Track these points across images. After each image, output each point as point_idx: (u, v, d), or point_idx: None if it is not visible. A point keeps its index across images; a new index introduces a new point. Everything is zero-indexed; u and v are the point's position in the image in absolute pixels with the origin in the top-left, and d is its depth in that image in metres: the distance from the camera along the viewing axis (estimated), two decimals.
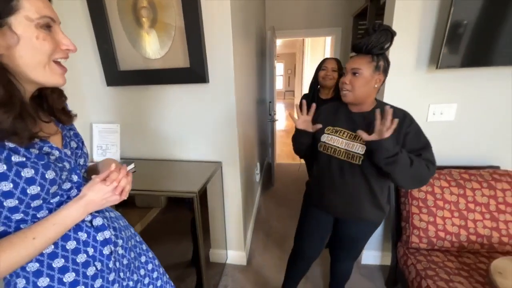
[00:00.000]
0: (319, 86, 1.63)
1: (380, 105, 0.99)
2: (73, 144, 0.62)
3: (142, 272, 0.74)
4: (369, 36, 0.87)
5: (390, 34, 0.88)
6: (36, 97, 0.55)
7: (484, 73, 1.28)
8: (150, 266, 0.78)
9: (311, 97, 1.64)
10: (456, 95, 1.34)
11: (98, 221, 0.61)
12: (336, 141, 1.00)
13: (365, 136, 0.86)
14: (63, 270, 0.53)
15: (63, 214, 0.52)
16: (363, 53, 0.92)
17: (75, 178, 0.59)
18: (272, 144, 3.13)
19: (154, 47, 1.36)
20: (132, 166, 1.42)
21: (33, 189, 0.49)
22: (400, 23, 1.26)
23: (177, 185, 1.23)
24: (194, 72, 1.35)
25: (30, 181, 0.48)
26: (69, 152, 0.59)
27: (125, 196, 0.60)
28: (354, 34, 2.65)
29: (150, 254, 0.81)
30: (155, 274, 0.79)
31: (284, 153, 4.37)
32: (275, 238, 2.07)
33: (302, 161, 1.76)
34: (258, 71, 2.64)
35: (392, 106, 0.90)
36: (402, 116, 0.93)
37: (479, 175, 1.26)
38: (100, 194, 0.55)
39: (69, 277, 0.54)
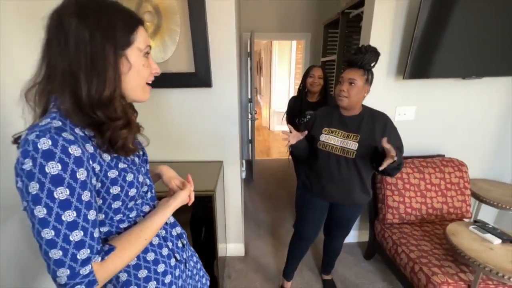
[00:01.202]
0: (306, 90, 1.83)
1: (365, 109, 1.23)
2: (140, 152, 0.69)
3: (192, 264, 0.84)
4: (362, 55, 1.09)
5: (377, 55, 1.11)
6: None
7: (435, 82, 1.64)
8: (194, 259, 0.88)
9: (300, 100, 1.84)
10: (415, 99, 1.68)
11: (171, 219, 0.69)
12: (333, 140, 1.21)
13: (386, 164, 1.00)
14: (155, 262, 0.61)
15: (161, 218, 0.60)
16: (357, 67, 1.13)
17: (148, 181, 0.66)
18: (251, 141, 3.28)
19: (157, 52, 1.39)
20: None
21: (132, 191, 0.56)
22: (376, 42, 1.53)
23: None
24: (199, 77, 1.42)
25: (131, 185, 0.55)
26: (140, 158, 0.66)
27: (192, 199, 0.71)
28: (324, 41, 2.94)
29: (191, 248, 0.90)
30: (198, 266, 0.89)
31: (258, 149, 4.57)
32: (266, 227, 2.25)
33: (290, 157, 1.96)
34: (239, 71, 2.74)
35: (372, 109, 1.22)
36: (385, 119, 1.19)
37: (432, 162, 1.62)
38: (180, 200, 0.65)
39: (161, 268, 0.62)
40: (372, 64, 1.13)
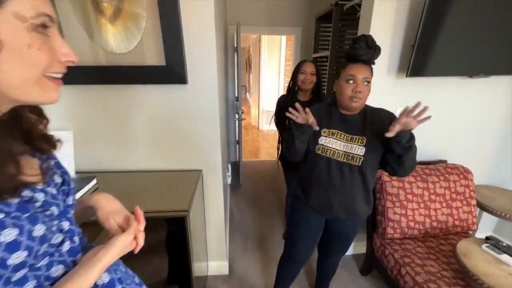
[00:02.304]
0: (297, 88, 1.63)
1: (366, 107, 1.06)
2: (58, 179, 0.46)
3: None
4: (370, 49, 0.93)
5: (380, 50, 0.96)
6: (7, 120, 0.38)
7: (438, 81, 1.48)
8: None
9: (290, 99, 1.64)
10: (416, 100, 1.51)
11: (105, 278, 0.47)
12: (334, 143, 1.02)
13: (397, 128, 0.84)
14: None
15: (82, 284, 0.38)
16: (365, 63, 0.96)
17: (66, 225, 0.44)
18: (239, 142, 3.06)
19: (119, 40, 1.14)
20: (93, 182, 1.18)
21: (17, 257, 0.34)
22: (375, 36, 1.34)
23: (160, 203, 1.07)
24: (172, 71, 1.18)
25: (13, 247, 0.33)
26: (54, 191, 0.44)
27: (140, 245, 0.49)
28: (316, 35, 2.75)
29: None
30: None
31: (246, 150, 4.36)
32: (254, 239, 2.05)
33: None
34: (224, 66, 2.51)
35: (371, 106, 1.06)
36: (388, 113, 1.04)
37: (436, 170, 1.47)
38: (120, 248, 0.42)
39: None
40: (375, 59, 0.98)
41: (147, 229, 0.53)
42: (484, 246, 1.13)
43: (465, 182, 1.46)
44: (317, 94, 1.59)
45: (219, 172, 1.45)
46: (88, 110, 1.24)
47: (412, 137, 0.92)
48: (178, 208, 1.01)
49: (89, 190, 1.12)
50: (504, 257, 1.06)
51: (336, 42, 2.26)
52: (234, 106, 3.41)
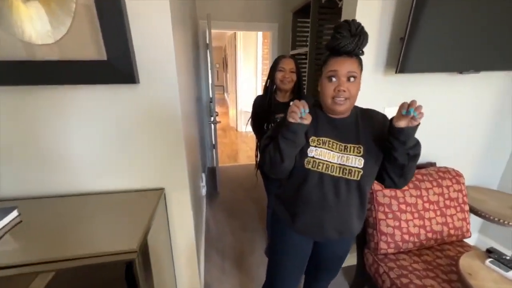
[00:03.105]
0: (275, 87, 1.43)
1: (356, 109, 0.90)
2: None
3: None
4: (355, 37, 0.76)
5: (367, 36, 0.79)
6: None
7: (427, 78, 1.36)
8: None
9: (268, 100, 1.44)
10: (405, 99, 1.39)
11: None
12: (327, 154, 0.83)
13: (403, 123, 0.71)
14: None
15: None
16: (350, 55, 0.78)
17: None
18: (215, 146, 2.81)
19: (40, 26, 0.86)
20: (14, 214, 0.89)
21: None
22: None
23: (99, 241, 0.81)
24: (116, 68, 0.92)
25: None
26: None
27: None
28: (293, 31, 2.59)
29: None
30: None
31: (225, 154, 4.11)
32: (232, 258, 1.82)
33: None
34: (195, 65, 2.26)
35: (361, 107, 0.91)
36: (381, 115, 0.90)
37: (429, 175, 1.35)
38: None
39: None
40: (363, 49, 0.81)
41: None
42: (488, 262, 1.01)
43: (458, 187, 1.35)
44: (298, 94, 1.41)
45: (187, 189, 1.21)
46: (2, 120, 0.94)
47: (418, 144, 0.77)
48: (123, 248, 0.76)
49: (6, 225, 0.84)
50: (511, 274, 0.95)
51: (315, 38, 2.10)
52: (208, 108, 3.16)
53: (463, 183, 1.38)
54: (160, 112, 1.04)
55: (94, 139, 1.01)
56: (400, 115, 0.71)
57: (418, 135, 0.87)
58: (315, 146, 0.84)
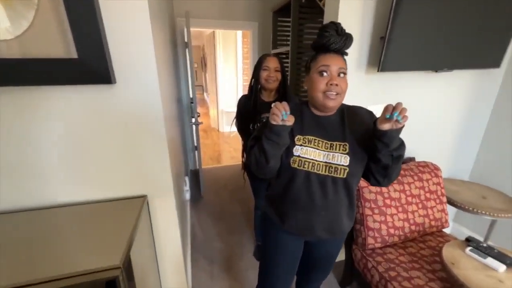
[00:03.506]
0: (260, 87, 1.41)
1: (343, 106, 0.89)
2: None
3: None
4: (342, 37, 0.79)
5: (352, 38, 0.81)
6: None
7: (405, 77, 1.41)
8: None
9: (253, 99, 1.41)
10: (386, 97, 1.43)
11: None
12: (313, 153, 0.83)
13: (386, 126, 0.71)
14: None
15: None
16: (337, 53, 0.80)
17: None
18: (197, 148, 2.73)
19: None
20: None
21: None
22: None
23: (76, 259, 0.73)
24: (88, 67, 0.84)
25: None
26: None
27: None
28: (274, 30, 2.58)
29: None
30: None
31: (207, 155, 4.02)
32: (220, 262, 1.77)
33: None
34: (173, 64, 2.17)
35: (347, 105, 0.91)
36: (368, 112, 0.91)
37: (410, 169, 1.40)
38: None
39: None
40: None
41: None
42: (468, 250, 1.06)
43: (436, 180, 1.42)
44: (283, 93, 1.39)
45: (171, 194, 1.14)
46: None
47: (402, 145, 0.78)
48: (105, 265, 0.69)
49: None
50: (490, 261, 1.00)
51: (297, 37, 2.11)
52: (189, 109, 3.06)
53: (441, 176, 1.45)
54: (140, 114, 0.97)
55: (65, 146, 0.91)
56: (384, 118, 0.71)
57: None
58: (301, 145, 0.83)
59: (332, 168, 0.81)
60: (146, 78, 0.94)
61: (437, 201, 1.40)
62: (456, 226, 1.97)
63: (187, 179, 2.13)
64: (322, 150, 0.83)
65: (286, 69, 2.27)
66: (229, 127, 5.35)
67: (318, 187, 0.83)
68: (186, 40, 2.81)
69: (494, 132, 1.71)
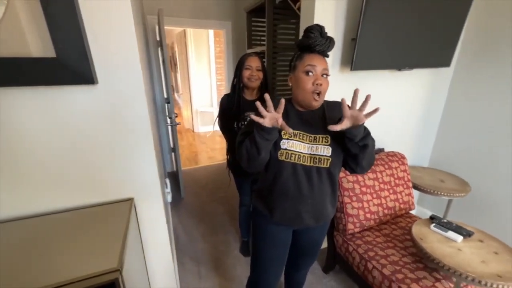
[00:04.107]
0: (242, 86, 1.44)
1: (323, 102, 0.96)
2: None
3: None
4: (323, 38, 0.85)
5: (334, 41, 0.89)
6: None
7: (372, 75, 1.55)
8: None
9: (236, 98, 1.43)
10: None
11: None
12: (298, 146, 0.89)
13: (345, 123, 0.78)
14: None
15: None
16: (321, 54, 0.87)
17: None
18: (175, 150, 2.67)
19: None
20: None
21: None
22: None
23: (69, 266, 0.70)
24: (67, 66, 0.80)
25: None
26: None
27: None
28: (248, 31, 2.62)
29: None
30: None
31: (184, 157, 3.93)
32: (207, 262, 1.77)
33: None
34: (148, 65, 2.10)
35: (327, 100, 0.97)
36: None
37: (381, 159, 1.54)
38: None
39: None
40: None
41: None
42: (432, 226, 1.21)
43: (403, 168, 1.58)
44: (265, 91, 1.44)
45: (159, 196, 1.13)
46: None
47: (367, 135, 0.85)
48: (103, 268, 0.67)
49: None
50: (450, 233, 1.16)
51: (272, 37, 2.17)
52: (164, 110, 2.97)
53: (407, 164, 1.62)
54: (125, 115, 0.94)
55: (45, 151, 0.86)
56: (343, 117, 0.78)
57: (370, 124, 0.98)
58: (287, 139, 0.89)
59: (316, 159, 0.88)
60: (130, 78, 0.91)
61: (405, 186, 1.56)
62: (420, 208, 2.21)
63: (167, 181, 2.08)
64: (306, 143, 0.89)
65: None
66: (204, 127, 5.28)
67: (304, 177, 0.89)
68: (158, 38, 2.72)
69: (447, 123, 1.95)
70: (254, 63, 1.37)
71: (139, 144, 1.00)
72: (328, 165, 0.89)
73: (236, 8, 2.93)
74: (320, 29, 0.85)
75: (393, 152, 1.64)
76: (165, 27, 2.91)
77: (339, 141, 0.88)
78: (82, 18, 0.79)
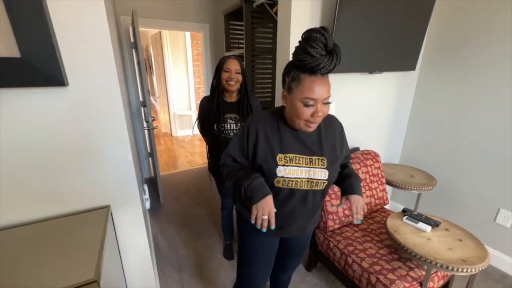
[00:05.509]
0: (221, 88, 1.44)
1: None
2: None
3: None
4: (329, 54, 0.69)
5: (341, 53, 0.71)
6: None
7: (347, 78, 1.63)
8: None
9: (216, 101, 1.43)
10: (333, 96, 1.62)
11: None
12: (295, 171, 0.82)
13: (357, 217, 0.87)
14: None
15: None
16: (323, 75, 0.72)
17: None
18: (152, 154, 2.58)
19: None
20: None
21: None
22: (297, 36, 1.34)
23: (42, 280, 0.65)
24: (34, 67, 0.75)
25: None
26: None
27: None
28: (226, 34, 2.62)
29: None
30: None
31: (162, 162, 3.81)
32: (190, 269, 1.73)
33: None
34: (123, 67, 2.02)
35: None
36: (339, 125, 0.94)
37: (357, 158, 1.62)
38: None
39: None
40: None
41: None
42: (404, 219, 1.29)
43: (377, 165, 1.67)
44: (245, 94, 1.45)
45: (137, 203, 1.09)
46: None
47: (358, 180, 0.94)
48: (78, 280, 0.63)
49: None
50: (420, 224, 1.24)
51: (250, 41, 2.20)
52: (140, 113, 2.87)
53: (380, 161, 1.71)
54: (100, 119, 0.90)
55: (10, 159, 0.79)
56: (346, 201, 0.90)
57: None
58: (283, 165, 0.81)
59: (313, 183, 0.83)
60: (105, 80, 0.88)
61: (379, 182, 1.65)
62: (393, 203, 2.34)
63: (146, 187, 2.00)
64: (303, 167, 0.82)
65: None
66: (183, 131, 5.17)
67: (299, 201, 0.86)
68: (132, 40, 2.63)
69: (414, 123, 2.10)
70: (233, 66, 1.37)
71: (116, 150, 0.96)
72: (323, 187, 0.86)
73: (214, 10, 2.93)
74: (325, 40, 0.66)
75: (367, 150, 1.72)
76: (140, 28, 2.83)
77: (336, 166, 0.87)
78: (50, 17, 0.75)
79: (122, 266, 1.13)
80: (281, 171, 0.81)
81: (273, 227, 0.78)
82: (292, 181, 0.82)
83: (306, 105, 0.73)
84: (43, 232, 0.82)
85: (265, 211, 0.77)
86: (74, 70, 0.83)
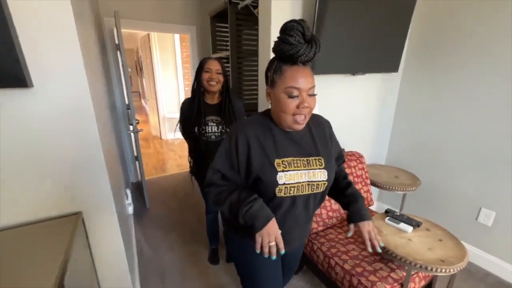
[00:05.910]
0: (202, 89, 1.41)
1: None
2: None
3: None
4: (308, 43, 0.67)
5: (320, 42, 0.69)
6: None
7: (330, 80, 1.63)
8: None
9: (197, 102, 1.40)
10: (322, 95, 1.62)
11: None
12: (295, 176, 0.76)
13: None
14: None
15: None
16: (305, 64, 0.70)
17: None
18: (138, 158, 2.53)
19: None
20: None
21: None
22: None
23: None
24: None
25: None
26: None
27: None
28: (213, 35, 2.61)
29: None
30: None
31: (150, 165, 3.75)
32: (174, 275, 1.68)
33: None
34: (104, 68, 1.98)
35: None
36: (328, 123, 0.91)
37: None
38: None
39: None
40: None
41: None
42: (386, 220, 1.29)
43: (361, 166, 1.68)
44: (226, 96, 1.43)
45: (111, 208, 1.05)
46: None
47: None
48: None
49: None
50: (402, 225, 1.24)
51: (235, 43, 2.19)
52: (125, 116, 2.82)
53: (364, 163, 1.72)
54: (68, 121, 0.87)
55: None
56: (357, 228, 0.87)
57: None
58: (283, 171, 0.75)
59: (314, 185, 0.78)
60: (73, 82, 0.85)
61: (363, 183, 1.65)
62: (379, 204, 2.35)
63: (128, 191, 1.95)
64: (302, 170, 0.77)
65: (228, 73, 2.33)
66: (172, 134, 5.11)
67: (302, 206, 0.81)
68: (117, 42, 2.59)
69: (398, 124, 2.12)
70: (213, 66, 1.36)
71: (87, 154, 0.93)
72: (323, 189, 0.81)
73: (200, 12, 2.91)
74: (302, 28, 0.66)
75: (351, 152, 1.73)
76: (127, 30, 2.79)
77: (332, 164, 0.84)
78: (10, 15, 0.72)
79: (97, 275, 1.08)
80: (282, 178, 0.74)
81: (283, 251, 0.72)
82: (294, 187, 0.76)
83: (291, 96, 0.69)
84: (6, 239, 0.78)
85: (271, 237, 0.71)
86: (40, 72, 0.79)
